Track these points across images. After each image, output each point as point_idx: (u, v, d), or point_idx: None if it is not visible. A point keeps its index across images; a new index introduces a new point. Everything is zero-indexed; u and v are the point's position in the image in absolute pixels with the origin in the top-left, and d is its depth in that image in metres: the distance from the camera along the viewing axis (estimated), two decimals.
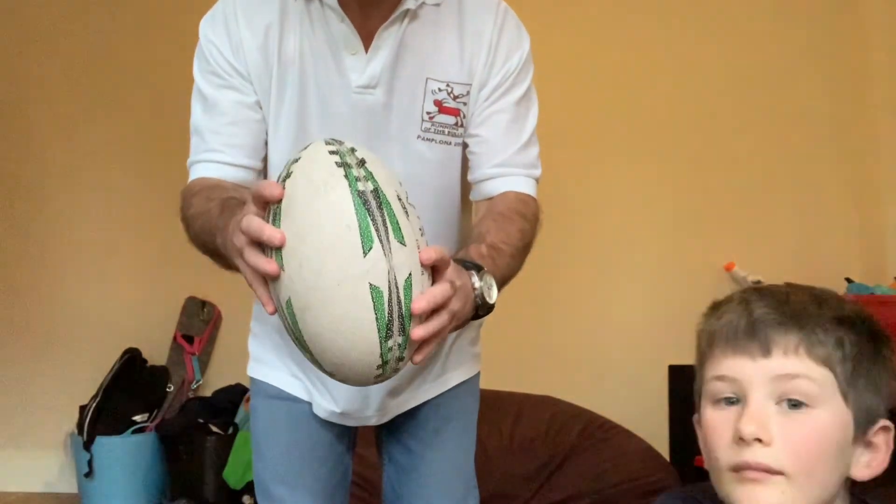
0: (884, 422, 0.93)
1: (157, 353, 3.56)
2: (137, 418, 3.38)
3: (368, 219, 0.91)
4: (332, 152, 0.94)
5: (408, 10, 1.29)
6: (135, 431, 3.37)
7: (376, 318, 0.91)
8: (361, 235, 0.90)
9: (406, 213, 0.95)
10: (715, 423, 0.93)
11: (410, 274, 0.93)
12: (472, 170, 1.36)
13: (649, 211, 3.49)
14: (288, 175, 0.94)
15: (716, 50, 3.47)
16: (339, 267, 0.90)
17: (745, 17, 3.47)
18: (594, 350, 3.44)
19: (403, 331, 0.93)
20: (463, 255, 1.17)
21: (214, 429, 3.28)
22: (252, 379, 1.52)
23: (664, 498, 1.05)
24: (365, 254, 0.90)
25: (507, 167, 1.34)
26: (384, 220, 0.92)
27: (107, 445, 3.29)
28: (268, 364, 1.48)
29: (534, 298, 3.51)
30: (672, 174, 3.47)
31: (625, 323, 3.45)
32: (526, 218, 1.31)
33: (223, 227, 1.07)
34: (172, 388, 3.47)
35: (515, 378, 3.25)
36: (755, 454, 0.88)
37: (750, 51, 3.45)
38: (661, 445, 2.92)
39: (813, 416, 0.89)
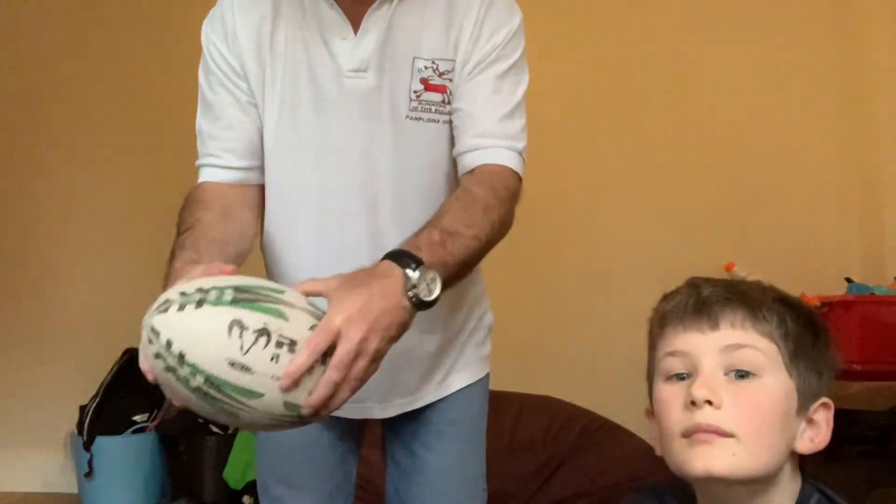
0: (824, 399, 0.98)
1: None
2: (137, 418, 3.38)
3: (220, 401, 0.98)
4: (155, 355, 0.99)
5: (379, 2, 1.30)
6: (135, 431, 3.37)
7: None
8: (227, 414, 1.00)
9: (247, 368, 0.97)
10: (667, 395, 0.97)
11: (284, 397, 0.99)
12: (455, 145, 1.34)
13: (649, 211, 3.49)
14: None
15: (716, 49, 3.47)
16: (235, 422, 1.03)
17: (746, 16, 3.47)
18: (594, 350, 3.43)
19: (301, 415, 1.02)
20: (413, 242, 1.12)
21: (214, 429, 3.28)
22: None
23: (633, 494, 1.13)
24: (237, 417, 1.00)
25: (487, 138, 1.31)
26: (230, 399, 0.97)
27: (107, 445, 3.29)
28: None
29: (534, 298, 3.52)
30: (672, 174, 3.46)
31: (625, 323, 3.43)
32: (496, 193, 1.26)
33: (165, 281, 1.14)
34: None
35: (515, 378, 3.25)
36: (706, 416, 0.92)
37: (750, 50, 3.45)
38: None
39: (759, 383, 0.94)
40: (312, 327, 1.00)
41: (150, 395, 3.45)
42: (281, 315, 0.99)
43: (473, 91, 1.32)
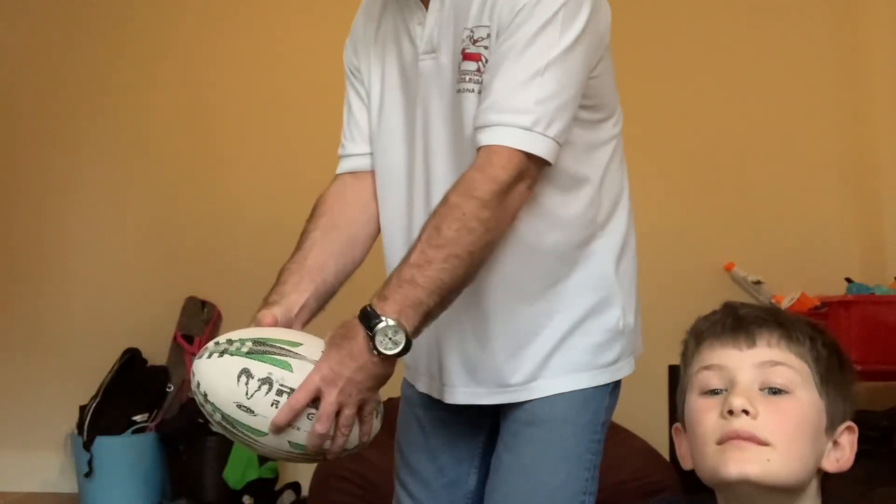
0: (849, 423, 1.02)
1: (157, 353, 3.56)
2: (137, 418, 3.38)
3: (237, 434, 1.20)
4: (194, 393, 1.22)
5: None
6: (135, 431, 3.37)
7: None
8: (246, 443, 1.21)
9: (251, 410, 1.16)
10: (702, 407, 1.00)
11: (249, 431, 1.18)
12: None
13: (649, 211, 3.48)
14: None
15: (716, 49, 3.47)
16: (258, 449, 1.22)
17: (745, 16, 3.47)
18: None
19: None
20: (381, 293, 1.18)
21: (214, 429, 3.28)
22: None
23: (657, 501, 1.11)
24: (256, 445, 1.20)
25: (492, 113, 1.22)
26: (244, 435, 1.19)
27: (107, 445, 3.29)
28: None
29: None
30: (672, 174, 3.46)
31: None
32: (473, 192, 1.19)
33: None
34: (172, 388, 3.47)
35: None
36: (742, 424, 0.95)
37: (750, 50, 3.45)
38: (661, 445, 2.92)
39: (793, 398, 0.98)
40: None
41: (150, 395, 3.45)
42: (286, 366, 1.16)
43: (494, 62, 1.24)
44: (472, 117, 1.26)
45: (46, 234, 3.74)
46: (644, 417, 3.08)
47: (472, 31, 1.27)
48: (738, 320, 1.02)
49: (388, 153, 1.40)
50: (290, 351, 1.17)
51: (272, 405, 1.14)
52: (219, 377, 1.17)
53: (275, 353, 1.16)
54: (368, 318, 1.15)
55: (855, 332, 2.75)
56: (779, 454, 0.94)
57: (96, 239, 3.71)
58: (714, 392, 1.00)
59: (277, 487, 3.32)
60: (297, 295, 1.33)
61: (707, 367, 1.01)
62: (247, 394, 1.15)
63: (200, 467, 3.24)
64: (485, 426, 1.44)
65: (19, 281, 3.73)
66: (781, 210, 3.40)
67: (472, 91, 1.27)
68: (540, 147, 1.21)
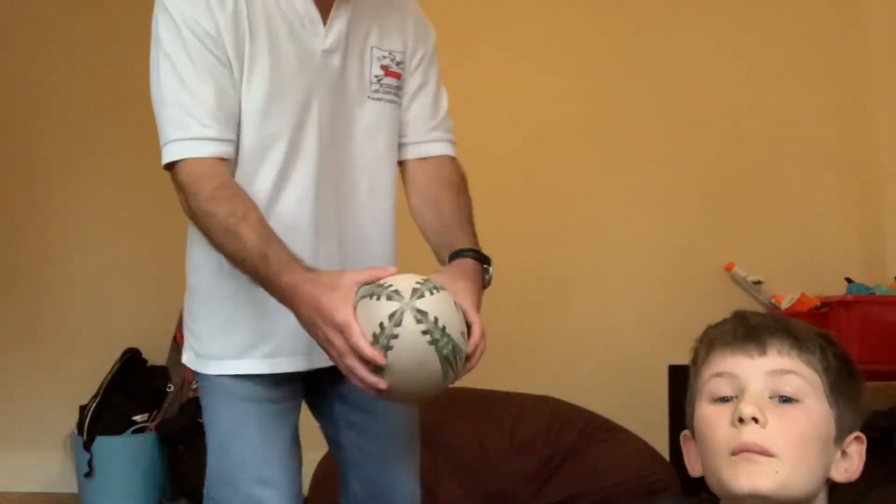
0: (857, 433, 1.04)
1: (157, 353, 3.55)
2: (137, 418, 3.38)
3: (448, 366, 1.24)
4: (423, 332, 1.21)
5: None
6: (135, 431, 3.37)
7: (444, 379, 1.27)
8: (443, 377, 1.25)
9: (461, 335, 1.27)
10: (713, 414, 1.01)
11: (462, 349, 1.27)
12: (409, 133, 1.58)
13: (649, 211, 3.49)
14: (389, 347, 1.21)
15: (716, 50, 3.47)
16: (427, 388, 1.27)
17: (745, 17, 3.47)
18: (594, 350, 3.44)
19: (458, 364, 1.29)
20: (468, 244, 1.46)
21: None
22: (206, 377, 1.52)
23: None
24: (443, 380, 1.26)
25: (439, 131, 1.60)
26: (455, 359, 1.25)
27: (107, 445, 3.29)
28: (221, 354, 1.49)
29: (534, 298, 3.52)
30: (672, 174, 3.46)
31: (625, 323, 3.45)
32: (466, 186, 1.60)
33: (275, 280, 1.30)
34: (172, 388, 3.47)
35: (515, 378, 3.25)
36: (753, 435, 0.96)
37: (749, 51, 3.45)
38: (661, 445, 2.92)
39: (802, 407, 0.99)
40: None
41: (150, 395, 3.45)
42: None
43: (424, 88, 1.59)
44: (385, 122, 1.54)
45: (46, 233, 3.74)
46: (644, 417, 3.09)
47: (390, 54, 1.53)
48: (750, 329, 1.03)
49: (282, 136, 1.45)
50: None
51: (462, 320, 1.28)
52: (448, 310, 1.25)
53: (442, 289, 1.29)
54: (484, 260, 1.45)
55: (855, 332, 2.75)
56: (788, 466, 0.96)
57: (96, 239, 3.70)
58: (724, 399, 1.01)
59: None
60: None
61: (718, 375, 1.02)
62: (461, 321, 1.27)
63: (200, 467, 3.20)
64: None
65: (19, 281, 3.73)
66: (781, 210, 3.41)
67: (392, 102, 1.54)
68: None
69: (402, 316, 1.21)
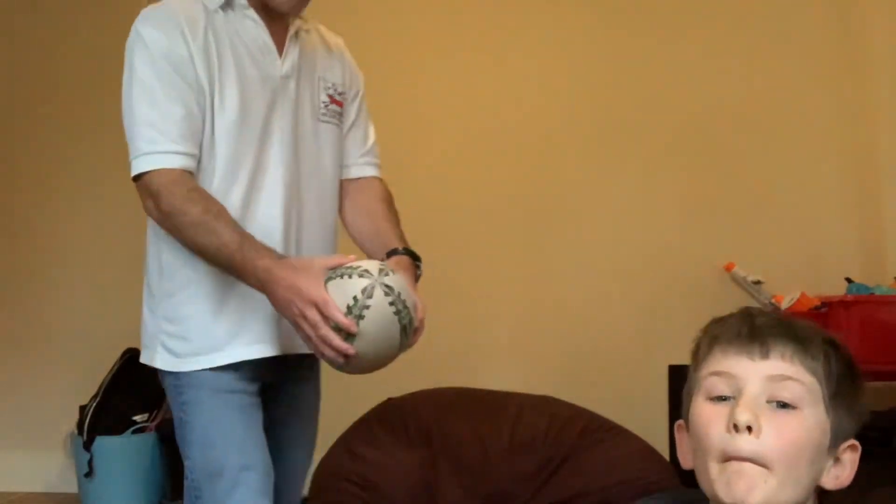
0: (852, 441, 1.03)
1: None
2: (137, 418, 3.38)
3: (404, 335, 1.49)
4: (390, 303, 1.45)
5: (297, 32, 1.72)
6: (135, 431, 3.37)
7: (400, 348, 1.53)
8: (399, 345, 1.50)
9: (414, 309, 1.51)
10: (709, 414, 1.00)
11: (414, 322, 1.53)
12: (346, 158, 1.83)
13: (649, 211, 3.49)
14: (361, 317, 1.43)
15: (716, 49, 3.47)
16: (386, 355, 1.51)
17: (745, 17, 3.47)
18: (594, 350, 3.43)
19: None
20: (401, 245, 1.72)
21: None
22: (187, 375, 1.63)
23: (646, 500, 1.16)
24: (399, 348, 1.51)
25: (369, 157, 1.86)
26: (409, 329, 1.50)
27: (107, 445, 3.29)
28: (201, 347, 1.62)
29: (533, 298, 3.52)
30: (672, 174, 3.46)
31: (625, 323, 3.45)
32: (393, 201, 1.86)
33: (251, 266, 1.49)
34: None
35: (515, 378, 3.25)
36: (746, 444, 0.96)
37: (749, 50, 3.45)
38: (661, 445, 2.92)
39: (798, 415, 0.98)
40: None
41: (150, 395, 3.45)
42: None
43: (359, 118, 1.85)
44: (331, 143, 1.77)
45: (47, 233, 3.74)
46: (644, 417, 3.09)
47: (333, 85, 1.77)
48: (754, 329, 1.01)
49: (261, 152, 1.65)
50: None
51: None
52: (406, 287, 1.50)
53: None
54: (416, 258, 1.69)
55: (855, 332, 2.76)
56: (778, 479, 0.95)
57: (97, 238, 3.70)
58: (722, 398, 1.00)
59: None
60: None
61: (717, 373, 1.02)
62: (415, 298, 1.53)
63: None
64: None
65: (19, 280, 3.73)
66: (781, 210, 3.40)
67: (336, 126, 1.78)
68: None
69: (373, 290, 1.43)
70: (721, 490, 0.96)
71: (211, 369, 1.61)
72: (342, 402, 3.38)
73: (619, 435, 2.94)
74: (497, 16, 3.60)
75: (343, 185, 1.83)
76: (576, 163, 3.54)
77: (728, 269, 3.33)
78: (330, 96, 1.77)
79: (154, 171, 1.56)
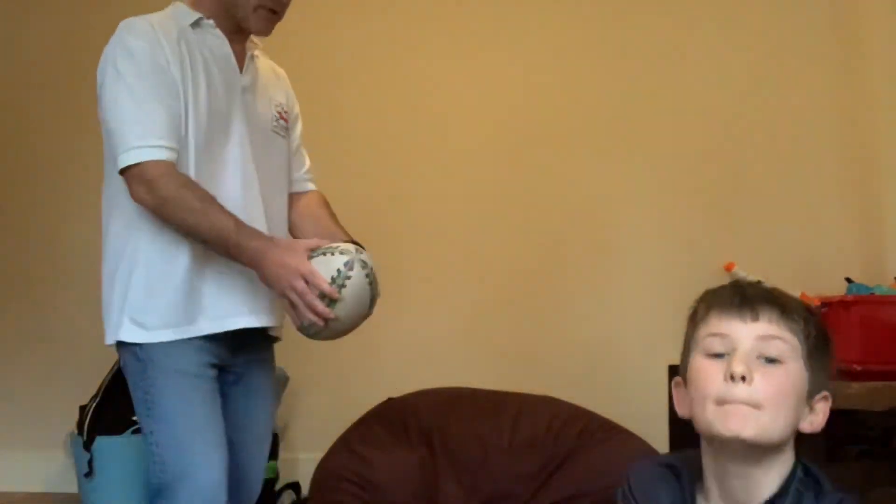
0: (825, 392, 1.22)
1: None
2: (137, 418, 3.37)
3: (372, 303, 1.77)
4: (366, 275, 1.73)
5: (252, 55, 1.97)
6: (135, 431, 3.36)
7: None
8: (368, 310, 1.78)
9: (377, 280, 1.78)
10: (708, 368, 1.18)
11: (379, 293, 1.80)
12: (294, 171, 2.08)
13: (649, 211, 3.49)
14: (343, 286, 1.69)
15: (716, 50, 3.47)
16: (358, 320, 1.78)
17: (746, 17, 3.47)
18: (594, 350, 3.44)
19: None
20: (346, 237, 1.91)
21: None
22: (151, 351, 1.75)
23: (637, 465, 1.36)
24: (368, 313, 1.79)
25: (308, 175, 2.13)
26: (375, 298, 1.77)
27: (107, 445, 3.28)
28: (169, 321, 1.75)
29: (533, 298, 3.52)
30: (672, 174, 3.47)
31: (624, 323, 3.45)
32: (329, 205, 2.11)
33: (245, 246, 1.71)
34: None
35: (515, 378, 3.25)
36: (740, 391, 1.14)
37: (750, 51, 3.46)
38: (661, 445, 2.92)
39: (783, 368, 1.17)
40: None
41: None
42: None
43: (298, 140, 2.10)
44: (280, 151, 2.00)
45: (47, 233, 3.74)
46: (644, 417, 3.09)
47: (280, 104, 2.01)
48: (745, 298, 1.20)
49: (224, 150, 1.84)
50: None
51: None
52: (375, 264, 1.75)
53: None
54: (360, 246, 1.84)
55: (855, 332, 2.76)
56: (768, 416, 1.13)
57: (97, 239, 3.70)
58: (718, 355, 1.18)
59: (277, 487, 3.32)
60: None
61: (714, 335, 1.19)
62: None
63: None
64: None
65: (19, 281, 3.73)
66: (781, 210, 3.41)
67: (284, 137, 2.01)
68: None
69: (353, 263, 1.70)
70: (719, 425, 1.14)
71: (176, 342, 1.74)
72: (342, 402, 3.39)
73: (619, 435, 2.94)
74: (499, 17, 3.61)
75: (289, 198, 2.05)
76: (576, 164, 3.54)
77: (728, 269, 3.34)
78: (279, 112, 2.01)
79: (146, 162, 1.70)
